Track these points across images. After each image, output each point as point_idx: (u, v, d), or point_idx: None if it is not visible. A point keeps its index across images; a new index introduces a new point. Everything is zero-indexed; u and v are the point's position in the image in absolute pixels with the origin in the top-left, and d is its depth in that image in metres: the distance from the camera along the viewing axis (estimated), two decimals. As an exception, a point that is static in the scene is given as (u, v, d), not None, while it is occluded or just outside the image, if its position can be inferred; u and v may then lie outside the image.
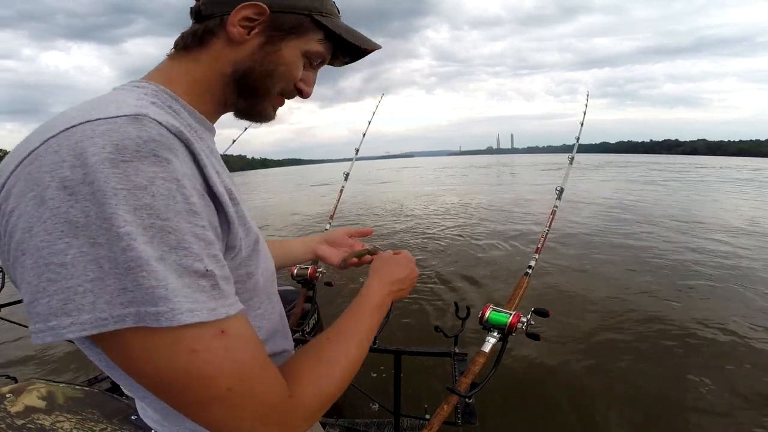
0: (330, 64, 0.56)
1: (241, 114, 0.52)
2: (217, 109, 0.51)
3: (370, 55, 0.56)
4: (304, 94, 0.53)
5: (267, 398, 0.36)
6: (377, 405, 1.74)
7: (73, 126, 0.32)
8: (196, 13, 0.47)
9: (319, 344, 0.47)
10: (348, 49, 0.53)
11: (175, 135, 0.35)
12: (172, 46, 0.49)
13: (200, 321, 0.32)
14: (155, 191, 0.31)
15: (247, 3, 0.44)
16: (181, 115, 0.43)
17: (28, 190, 0.31)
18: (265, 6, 0.44)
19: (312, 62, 0.51)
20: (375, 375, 2.68)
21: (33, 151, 0.32)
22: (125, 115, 0.33)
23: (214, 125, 0.52)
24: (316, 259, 0.81)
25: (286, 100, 0.54)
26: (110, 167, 0.30)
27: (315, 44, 0.49)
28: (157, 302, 0.30)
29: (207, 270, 0.34)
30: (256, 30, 0.46)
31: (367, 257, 0.75)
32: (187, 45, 0.47)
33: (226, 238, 0.40)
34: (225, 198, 0.39)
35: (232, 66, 0.47)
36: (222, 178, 0.42)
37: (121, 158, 0.31)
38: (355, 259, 0.73)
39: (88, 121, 0.33)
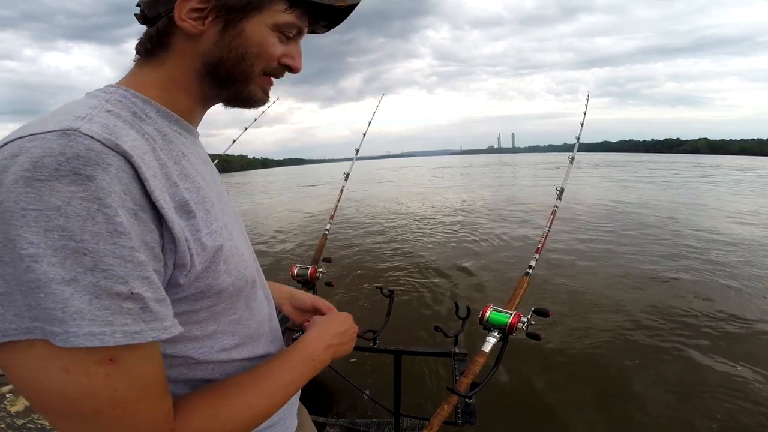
0: (312, 31, 0.53)
1: (229, 103, 0.51)
2: (198, 105, 0.49)
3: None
4: (293, 69, 0.50)
5: (141, 428, 0.36)
6: (377, 404, 1.74)
7: (11, 141, 0.33)
8: (142, 18, 0.45)
9: (228, 386, 0.45)
10: (321, 11, 0.49)
11: (110, 149, 0.34)
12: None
13: (102, 345, 0.32)
14: (70, 212, 0.31)
15: None
16: (148, 120, 0.42)
17: None
18: None
19: (286, 35, 0.48)
20: (375, 375, 2.68)
21: None
22: (54, 131, 0.33)
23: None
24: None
25: (275, 79, 0.51)
26: (23, 186, 0.30)
27: (281, 15, 0.45)
28: (53, 322, 0.30)
29: (132, 293, 0.33)
30: (209, 18, 0.43)
31: (308, 316, 0.73)
32: (149, 50, 0.45)
33: (174, 257, 0.38)
34: (170, 214, 0.37)
35: (201, 59, 0.45)
36: (179, 189, 0.40)
37: (37, 177, 0.30)
38: (308, 316, 0.72)
39: (21, 137, 0.33)
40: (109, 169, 0.33)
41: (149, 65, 0.46)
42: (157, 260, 0.37)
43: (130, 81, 0.45)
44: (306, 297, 0.74)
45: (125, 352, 0.34)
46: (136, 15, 0.46)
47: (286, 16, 0.46)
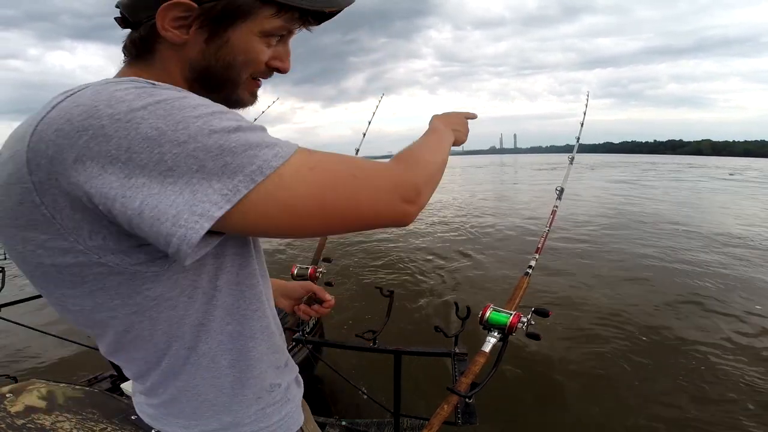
0: (300, 29, 0.51)
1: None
2: None
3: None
4: (281, 71, 0.50)
5: (387, 173, 0.44)
6: (377, 405, 1.73)
7: (72, 94, 0.35)
8: (123, 22, 0.45)
9: (408, 149, 0.53)
10: (311, 14, 0.47)
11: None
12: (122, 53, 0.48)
13: (290, 154, 0.38)
14: (190, 96, 0.37)
15: (168, 3, 0.40)
16: None
17: (78, 138, 0.32)
18: (189, 1, 0.41)
19: (273, 40, 0.47)
20: (375, 375, 2.68)
21: (44, 117, 0.34)
22: (116, 78, 0.38)
23: None
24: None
25: (271, 78, 0.52)
26: (149, 94, 0.35)
27: (269, 21, 0.44)
28: (252, 159, 0.35)
29: (262, 128, 0.39)
30: (193, 27, 0.42)
31: (317, 306, 0.78)
32: (137, 54, 0.45)
33: None
34: None
35: (188, 66, 0.45)
36: None
37: (150, 88, 0.35)
38: (304, 305, 0.77)
39: (84, 88, 0.35)
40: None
41: (137, 67, 0.46)
42: None
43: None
44: (296, 285, 0.78)
45: (309, 156, 0.40)
46: (116, 19, 0.45)
47: (274, 21, 0.44)
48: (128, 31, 0.46)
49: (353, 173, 0.41)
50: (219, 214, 0.34)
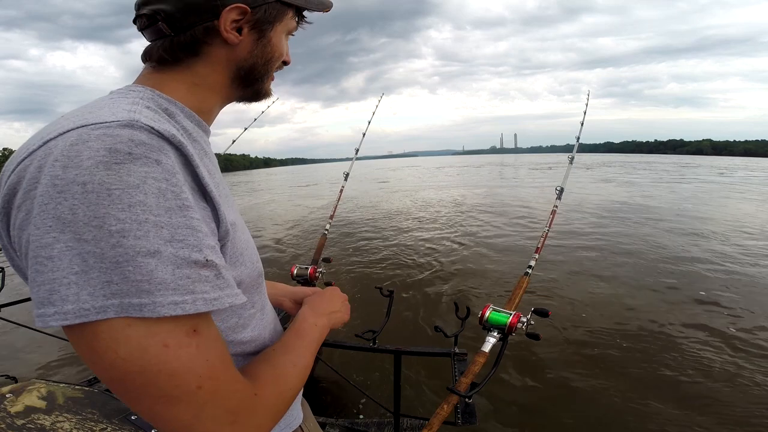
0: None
1: (245, 99, 0.56)
2: (219, 105, 0.53)
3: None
4: (288, 64, 0.57)
5: (235, 396, 0.38)
6: (377, 405, 1.74)
7: (70, 130, 0.35)
8: (170, 26, 0.45)
9: (269, 355, 0.50)
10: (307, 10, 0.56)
11: (166, 139, 0.37)
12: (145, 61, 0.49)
13: (183, 314, 0.33)
14: (147, 189, 0.33)
15: (230, 6, 0.45)
16: (177, 117, 0.45)
17: (32, 187, 0.33)
18: (245, 6, 0.46)
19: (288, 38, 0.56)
20: (375, 375, 2.68)
21: (32, 152, 0.35)
22: (118, 121, 0.35)
23: (213, 124, 0.54)
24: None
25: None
26: (104, 169, 0.32)
27: (291, 22, 0.53)
28: (141, 294, 0.32)
29: (207, 260, 0.35)
30: (245, 29, 0.48)
31: None
32: (178, 57, 0.46)
33: (217, 236, 0.42)
34: (216, 197, 0.41)
35: (236, 66, 0.50)
36: (214, 179, 0.44)
37: (114, 161, 0.33)
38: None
39: (83, 126, 0.35)
40: (169, 155, 0.36)
41: (172, 70, 0.48)
42: (213, 235, 0.40)
43: (152, 84, 0.46)
44: (304, 290, 0.78)
45: (202, 321, 0.36)
46: (146, 27, 0.46)
47: (293, 22, 0.53)
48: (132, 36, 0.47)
49: (200, 383, 0.34)
50: (65, 323, 0.31)
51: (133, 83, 0.48)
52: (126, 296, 0.31)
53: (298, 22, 0.55)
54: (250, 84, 0.53)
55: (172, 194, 0.35)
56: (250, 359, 0.51)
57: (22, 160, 0.35)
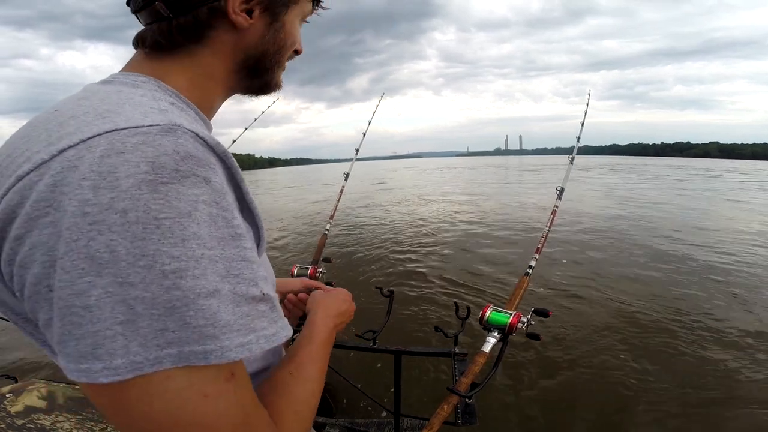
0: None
1: (252, 91, 0.50)
2: (221, 97, 0.47)
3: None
4: (299, 52, 0.51)
5: None
6: (377, 404, 1.74)
7: (95, 135, 0.28)
8: (169, 6, 0.38)
9: (285, 382, 0.43)
10: None
11: (212, 149, 0.31)
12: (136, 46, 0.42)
13: (241, 357, 0.29)
14: (199, 218, 0.28)
15: None
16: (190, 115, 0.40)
17: (42, 214, 0.26)
18: None
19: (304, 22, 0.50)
20: (375, 375, 2.68)
21: (43, 163, 0.28)
22: (157, 125, 0.29)
23: (215, 123, 0.49)
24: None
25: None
26: (149, 192, 0.26)
27: (308, 4, 0.48)
28: (205, 341, 0.27)
29: (263, 294, 0.32)
30: (256, 11, 0.41)
31: (303, 295, 0.76)
32: (177, 42, 0.40)
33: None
34: (259, 214, 0.36)
35: (244, 53, 0.43)
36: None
37: (160, 179, 0.27)
38: (292, 296, 0.77)
39: (113, 130, 0.28)
40: (216, 170, 0.31)
41: (171, 58, 0.41)
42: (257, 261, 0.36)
43: (152, 73, 0.39)
44: (297, 281, 0.77)
45: (238, 363, 0.31)
46: (139, 8, 0.39)
47: (308, 5, 0.48)
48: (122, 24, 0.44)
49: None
50: (116, 379, 0.26)
51: (123, 70, 0.40)
52: (186, 344, 0.27)
53: (314, 6, 0.50)
54: (259, 75, 0.46)
55: (223, 221, 0.30)
56: (260, 378, 0.48)
57: (26, 174, 0.28)
